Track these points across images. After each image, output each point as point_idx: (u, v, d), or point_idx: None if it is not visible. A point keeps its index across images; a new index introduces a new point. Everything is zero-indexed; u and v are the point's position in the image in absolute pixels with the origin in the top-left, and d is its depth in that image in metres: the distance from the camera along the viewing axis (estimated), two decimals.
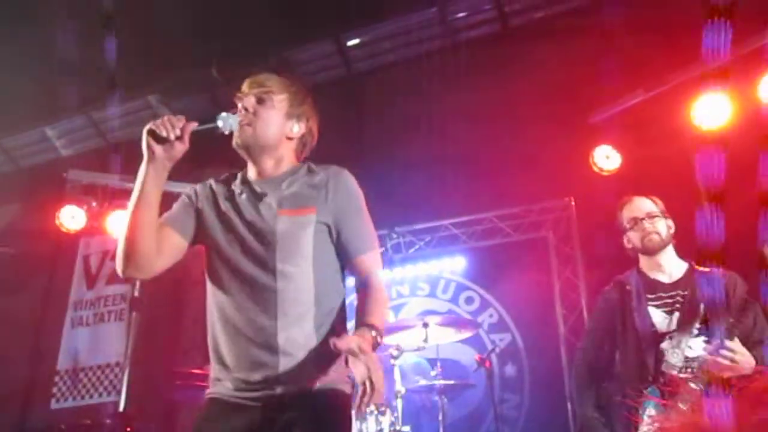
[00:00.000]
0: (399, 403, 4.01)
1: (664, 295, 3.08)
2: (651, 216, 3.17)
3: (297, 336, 1.98)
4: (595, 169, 5.60)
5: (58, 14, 6.61)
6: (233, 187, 2.16)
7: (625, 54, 5.79)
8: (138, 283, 6.93)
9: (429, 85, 6.80)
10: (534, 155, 5.81)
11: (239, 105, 2.16)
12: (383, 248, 6.62)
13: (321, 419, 1.94)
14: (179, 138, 1.95)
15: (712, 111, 5.09)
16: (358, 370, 1.77)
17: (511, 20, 6.92)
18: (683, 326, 2.97)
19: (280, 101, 2.17)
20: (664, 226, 3.15)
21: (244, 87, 2.19)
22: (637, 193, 5.28)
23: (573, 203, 6.13)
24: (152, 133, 1.94)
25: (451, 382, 4.27)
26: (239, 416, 1.96)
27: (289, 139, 2.20)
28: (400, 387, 4.05)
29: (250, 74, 2.23)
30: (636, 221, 3.19)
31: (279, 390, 1.94)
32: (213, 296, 2.09)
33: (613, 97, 5.61)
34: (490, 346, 5.51)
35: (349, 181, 2.17)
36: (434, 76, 6.90)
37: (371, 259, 2.12)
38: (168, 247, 2.07)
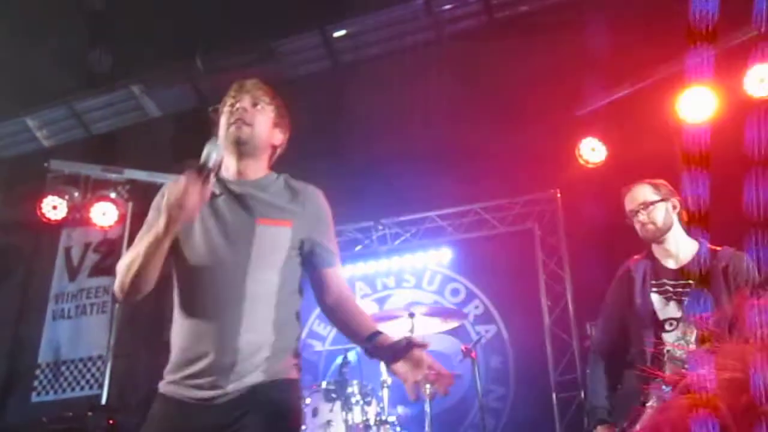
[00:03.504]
0: (385, 393, 4.00)
1: (667, 281, 3.09)
2: (645, 205, 3.15)
3: (256, 339, 2.08)
4: (581, 161, 5.62)
5: (39, 4, 6.52)
6: (218, 187, 2.22)
7: (610, 47, 5.80)
8: None
9: (415, 77, 6.79)
10: (520, 147, 5.81)
11: (234, 105, 2.25)
12: (368, 240, 6.61)
13: (277, 410, 2.06)
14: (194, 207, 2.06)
15: (697, 104, 5.12)
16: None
17: (496, 13, 6.90)
18: (686, 317, 2.97)
19: (270, 110, 2.29)
20: (661, 213, 3.13)
21: (234, 91, 2.29)
22: (623, 184, 5.31)
23: (559, 195, 6.13)
24: (175, 207, 2.02)
25: None
26: (192, 417, 2.04)
27: (273, 147, 2.32)
28: (385, 377, 4.04)
29: (235, 77, 2.35)
30: (632, 213, 3.19)
31: (231, 388, 2.03)
32: (179, 293, 2.19)
33: (599, 90, 5.62)
34: (475, 338, 5.51)
35: (322, 198, 2.31)
36: (420, 68, 6.88)
37: (340, 272, 2.30)
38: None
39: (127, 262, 2.09)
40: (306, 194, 2.26)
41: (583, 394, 5.39)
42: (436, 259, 6.52)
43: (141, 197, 6.33)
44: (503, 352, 5.99)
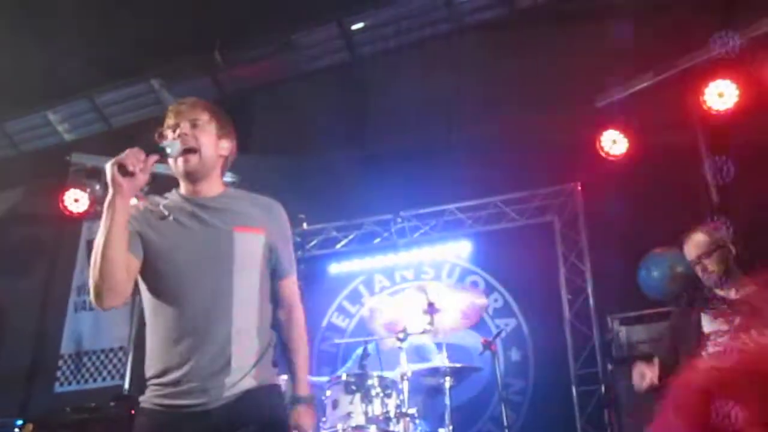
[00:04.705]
0: (405, 386, 3.99)
1: (718, 306, 3.29)
2: (702, 256, 3.36)
3: (246, 343, 2.17)
4: (602, 153, 5.56)
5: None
6: (178, 204, 2.29)
7: (633, 38, 5.74)
8: None
9: (433, 69, 6.76)
10: (540, 139, 5.76)
11: (174, 132, 2.28)
12: (387, 232, 6.61)
13: (266, 417, 2.16)
14: (142, 170, 2.07)
15: (720, 96, 5.05)
16: None
17: (518, 3, 6.85)
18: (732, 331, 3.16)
19: (211, 127, 2.31)
20: (718, 260, 3.33)
21: (173, 114, 2.31)
22: (645, 177, 5.27)
23: (579, 188, 6.09)
24: (119, 168, 2.04)
25: (458, 365, 4.25)
26: (184, 427, 2.09)
27: (221, 157, 2.35)
28: (406, 369, 4.03)
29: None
30: (692, 263, 3.42)
31: (226, 394, 2.09)
32: (155, 310, 2.20)
33: (621, 81, 5.56)
34: (495, 331, 5.48)
35: (284, 211, 2.44)
36: (439, 60, 6.85)
37: (294, 282, 2.42)
38: (132, 272, 2.17)
39: (92, 259, 2.08)
40: (272, 207, 2.39)
41: (603, 388, 5.36)
42: (455, 252, 6.50)
43: (161, 191, 6.36)
44: (523, 345, 5.96)
